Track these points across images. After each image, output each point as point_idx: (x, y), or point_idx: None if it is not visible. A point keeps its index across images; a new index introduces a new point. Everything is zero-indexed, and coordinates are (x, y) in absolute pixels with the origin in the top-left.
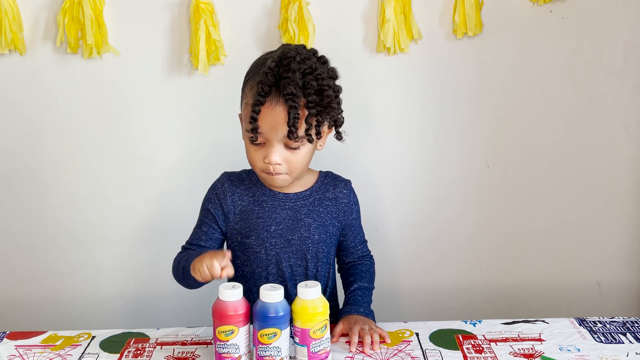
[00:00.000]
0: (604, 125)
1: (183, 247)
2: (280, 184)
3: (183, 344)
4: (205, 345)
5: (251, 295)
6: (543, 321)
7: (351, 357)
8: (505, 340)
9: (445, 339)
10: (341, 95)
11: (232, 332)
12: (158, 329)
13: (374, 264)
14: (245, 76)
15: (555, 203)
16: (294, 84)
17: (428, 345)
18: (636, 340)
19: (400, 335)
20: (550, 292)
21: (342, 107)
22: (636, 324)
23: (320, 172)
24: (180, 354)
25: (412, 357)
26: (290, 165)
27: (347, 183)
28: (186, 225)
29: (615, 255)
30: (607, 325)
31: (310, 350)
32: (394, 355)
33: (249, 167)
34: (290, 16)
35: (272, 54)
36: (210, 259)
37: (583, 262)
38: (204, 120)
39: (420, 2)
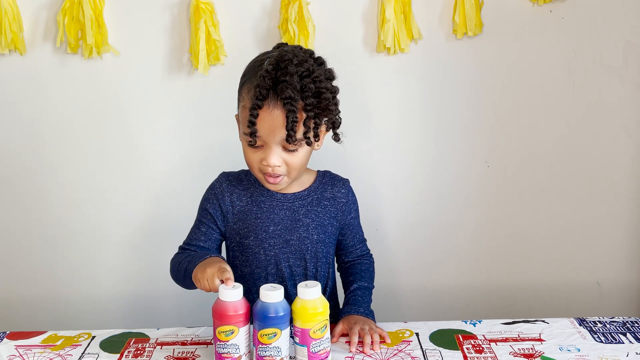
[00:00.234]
0: (604, 125)
1: (181, 248)
2: (278, 187)
3: (183, 344)
4: (205, 345)
5: (251, 295)
6: (543, 321)
7: (351, 357)
8: (505, 340)
9: (445, 339)
10: (341, 96)
11: (232, 332)
12: (158, 329)
13: (374, 262)
14: (242, 78)
15: (555, 203)
16: (292, 88)
17: (428, 345)
18: (636, 340)
19: (400, 335)
20: (550, 292)
21: (342, 107)
22: (636, 324)
23: (318, 171)
24: (180, 354)
25: (412, 357)
26: (288, 167)
27: (345, 182)
28: (186, 225)
29: (615, 255)
30: (607, 325)
31: (310, 350)
32: (394, 355)
33: (247, 167)
34: (290, 16)
35: (268, 54)
36: (212, 274)
37: (583, 262)
38: (203, 120)
39: (420, 2)
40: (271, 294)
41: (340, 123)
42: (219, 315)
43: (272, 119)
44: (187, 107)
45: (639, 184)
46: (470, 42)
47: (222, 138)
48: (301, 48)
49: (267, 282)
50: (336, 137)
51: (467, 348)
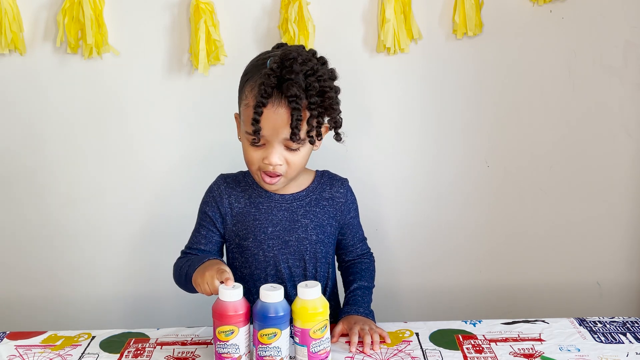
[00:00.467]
0: (604, 125)
1: (182, 252)
2: (274, 187)
3: (183, 344)
4: (205, 345)
5: (251, 296)
6: (543, 321)
7: (351, 357)
8: (505, 340)
9: (445, 339)
10: (341, 96)
11: (232, 332)
12: (158, 329)
13: (374, 261)
14: (243, 76)
15: (555, 203)
16: (298, 86)
17: (428, 345)
18: (636, 340)
19: (400, 335)
20: (550, 292)
21: (342, 107)
22: (636, 324)
23: (317, 171)
24: (180, 354)
25: (412, 357)
26: (289, 166)
27: (344, 182)
28: (186, 224)
29: (615, 255)
30: (607, 325)
31: (310, 350)
32: (394, 355)
33: (246, 168)
34: (290, 16)
35: (269, 54)
36: (211, 276)
37: (583, 262)
38: (203, 120)
39: (420, 2)
40: (271, 294)
41: (342, 123)
42: (219, 315)
43: (277, 117)
44: (187, 107)
45: (639, 184)
46: (470, 42)
47: (222, 138)
48: (304, 47)
49: (266, 283)
50: (338, 137)
51: (467, 348)
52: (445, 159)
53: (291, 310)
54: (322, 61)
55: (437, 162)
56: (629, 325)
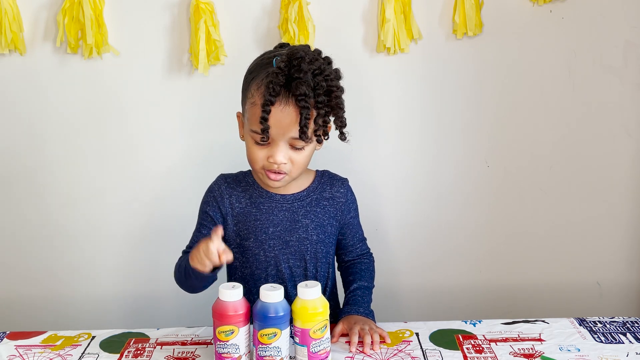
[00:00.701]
0: (604, 125)
1: (183, 252)
2: (277, 185)
3: (183, 344)
4: (205, 345)
5: (251, 296)
6: (543, 321)
7: (351, 357)
8: (505, 340)
9: (445, 339)
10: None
11: (232, 332)
12: (158, 329)
13: (374, 261)
14: (248, 75)
15: (555, 203)
16: (306, 85)
17: (428, 345)
18: (636, 340)
19: (400, 335)
20: (550, 292)
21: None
22: (636, 324)
23: (317, 171)
24: (180, 354)
25: (412, 357)
26: (293, 165)
27: (344, 181)
28: (186, 224)
29: (615, 255)
30: (607, 325)
31: (310, 350)
32: (394, 355)
33: (246, 168)
34: (290, 16)
35: (274, 53)
36: (206, 243)
37: (583, 262)
38: (203, 120)
39: (420, 2)
40: (271, 294)
41: (346, 122)
42: (219, 315)
43: (284, 115)
44: (187, 107)
45: (639, 184)
46: (470, 42)
47: (222, 138)
48: (309, 47)
49: (267, 283)
50: (342, 136)
51: (467, 348)
52: (445, 159)
53: (291, 310)
54: (328, 61)
55: (437, 162)
56: (629, 325)
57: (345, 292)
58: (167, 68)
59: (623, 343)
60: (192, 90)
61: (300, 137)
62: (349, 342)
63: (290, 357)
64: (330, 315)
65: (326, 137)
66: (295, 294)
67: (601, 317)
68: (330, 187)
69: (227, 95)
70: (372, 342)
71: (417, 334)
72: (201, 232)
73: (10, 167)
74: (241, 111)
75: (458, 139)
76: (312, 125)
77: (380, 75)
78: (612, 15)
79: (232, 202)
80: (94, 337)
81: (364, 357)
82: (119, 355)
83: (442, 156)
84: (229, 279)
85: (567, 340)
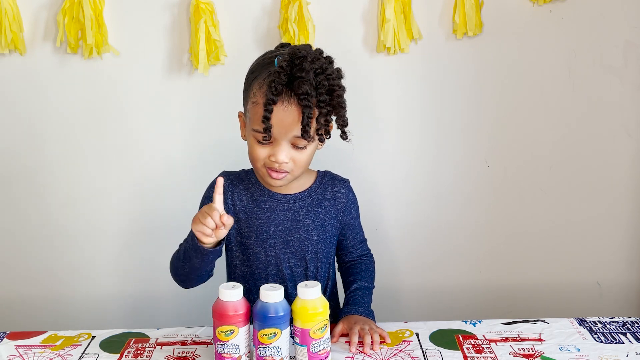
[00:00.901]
0: (604, 125)
1: (181, 245)
2: (279, 183)
3: (183, 344)
4: (205, 345)
5: (251, 295)
6: (543, 321)
7: (351, 357)
8: (505, 340)
9: (445, 339)
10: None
11: (232, 332)
12: (158, 329)
13: (374, 262)
14: (249, 75)
15: (555, 203)
16: (309, 84)
17: (428, 345)
18: (636, 340)
19: (400, 335)
20: (550, 292)
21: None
22: (636, 324)
23: (318, 171)
24: (180, 354)
25: (412, 357)
26: (295, 164)
27: (346, 182)
28: (186, 225)
29: (615, 255)
30: (607, 325)
31: (310, 350)
32: (394, 355)
33: (248, 167)
34: (290, 16)
35: (275, 52)
36: (202, 213)
37: (583, 262)
38: (204, 120)
39: (420, 2)
40: (271, 294)
41: (347, 122)
42: (219, 315)
43: (286, 115)
44: (187, 107)
45: (639, 184)
46: (470, 42)
47: (222, 138)
48: (310, 46)
49: (267, 282)
50: (344, 136)
51: (467, 348)
52: (445, 159)
53: (291, 310)
54: (330, 60)
55: (437, 162)
56: (629, 325)
57: (345, 292)
58: (167, 68)
59: (623, 343)
60: (192, 90)
61: (303, 136)
62: (349, 342)
63: (290, 357)
64: (330, 315)
65: (328, 137)
66: (295, 294)
67: (601, 317)
68: (332, 188)
69: (227, 96)
70: (372, 342)
71: (417, 334)
72: None
73: (10, 167)
74: (243, 111)
75: (458, 139)
76: (314, 125)
77: (380, 75)
78: (612, 15)
79: (234, 199)
80: (94, 337)
81: (364, 357)
82: (119, 355)
83: (442, 156)
84: (229, 278)
85: (567, 340)
